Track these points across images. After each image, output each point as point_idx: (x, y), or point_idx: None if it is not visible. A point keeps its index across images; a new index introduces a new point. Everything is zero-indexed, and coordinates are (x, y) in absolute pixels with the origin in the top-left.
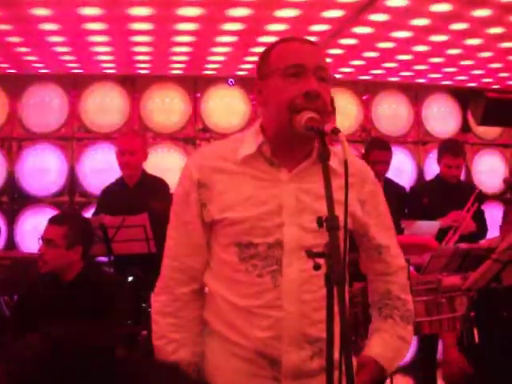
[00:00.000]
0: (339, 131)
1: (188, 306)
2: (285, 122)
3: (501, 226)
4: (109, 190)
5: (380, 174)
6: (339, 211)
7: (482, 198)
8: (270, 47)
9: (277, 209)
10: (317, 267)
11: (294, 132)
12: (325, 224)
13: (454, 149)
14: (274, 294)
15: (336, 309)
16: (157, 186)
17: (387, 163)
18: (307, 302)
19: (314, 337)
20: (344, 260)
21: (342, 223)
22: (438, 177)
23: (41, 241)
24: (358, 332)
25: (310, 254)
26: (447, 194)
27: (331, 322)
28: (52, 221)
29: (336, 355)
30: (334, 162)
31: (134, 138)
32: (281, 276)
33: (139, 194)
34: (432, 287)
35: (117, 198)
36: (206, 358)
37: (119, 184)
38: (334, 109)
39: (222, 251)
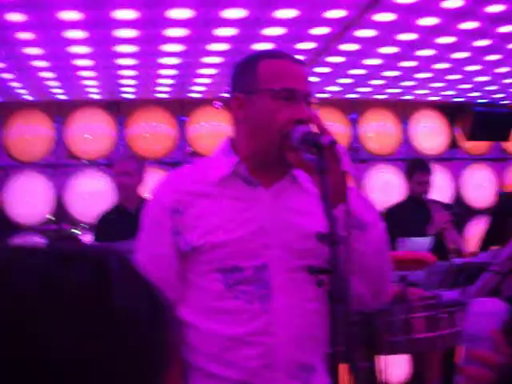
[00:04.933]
0: (336, 143)
1: None
2: (272, 144)
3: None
4: (107, 218)
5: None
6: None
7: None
8: (254, 59)
9: (260, 229)
10: (320, 284)
11: (278, 155)
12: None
13: (424, 166)
14: (265, 320)
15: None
16: None
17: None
18: (298, 326)
19: (305, 364)
20: (347, 276)
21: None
22: (409, 195)
23: None
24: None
25: (312, 271)
26: (421, 211)
27: (335, 339)
28: None
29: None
30: (307, 181)
31: (130, 160)
32: (270, 300)
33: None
34: (431, 303)
35: (118, 224)
36: None
37: (118, 211)
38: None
39: (202, 280)
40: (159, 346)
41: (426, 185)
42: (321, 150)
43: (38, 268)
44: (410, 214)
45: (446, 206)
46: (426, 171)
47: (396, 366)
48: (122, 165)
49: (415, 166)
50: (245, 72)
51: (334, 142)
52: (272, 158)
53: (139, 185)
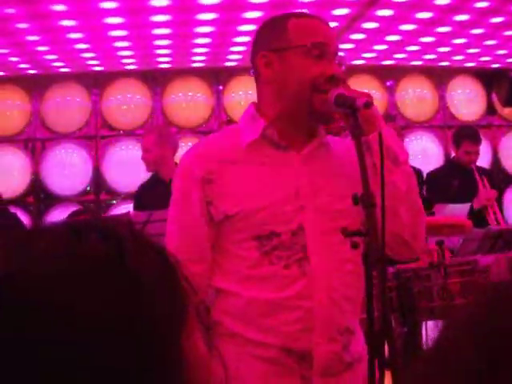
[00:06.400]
0: (372, 104)
1: None
2: (303, 101)
3: None
4: (145, 187)
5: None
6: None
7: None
8: (282, 19)
9: (294, 192)
10: (355, 246)
11: (309, 112)
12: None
13: (473, 136)
14: (303, 284)
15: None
16: None
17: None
18: (336, 288)
19: (344, 327)
20: (382, 239)
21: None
22: (452, 162)
23: None
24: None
25: (347, 233)
26: (462, 178)
27: (371, 303)
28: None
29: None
30: (336, 143)
31: (148, 136)
32: (308, 264)
33: None
34: (468, 268)
35: (155, 194)
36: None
37: (155, 180)
38: None
39: (238, 248)
40: (173, 305)
41: (473, 155)
42: (355, 111)
43: (53, 245)
44: (450, 181)
45: (491, 179)
46: (475, 141)
47: (432, 333)
48: (142, 141)
49: (464, 135)
50: (273, 30)
51: (368, 104)
52: (300, 117)
53: (164, 156)
